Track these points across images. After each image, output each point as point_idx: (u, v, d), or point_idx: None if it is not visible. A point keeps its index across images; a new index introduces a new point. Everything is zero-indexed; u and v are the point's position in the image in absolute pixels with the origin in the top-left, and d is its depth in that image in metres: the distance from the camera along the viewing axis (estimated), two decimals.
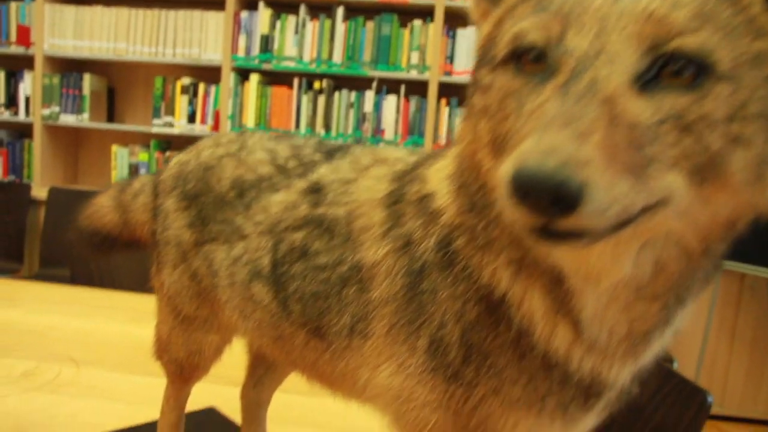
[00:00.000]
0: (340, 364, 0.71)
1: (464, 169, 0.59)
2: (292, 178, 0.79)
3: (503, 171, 0.42)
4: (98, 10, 3.61)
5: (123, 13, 3.59)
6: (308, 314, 0.72)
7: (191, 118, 3.66)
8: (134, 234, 1.03)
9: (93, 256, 1.10)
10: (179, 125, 3.66)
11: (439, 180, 0.64)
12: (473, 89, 0.56)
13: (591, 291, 0.54)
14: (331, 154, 0.79)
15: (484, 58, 0.55)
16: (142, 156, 3.73)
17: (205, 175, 0.86)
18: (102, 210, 1.07)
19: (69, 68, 3.75)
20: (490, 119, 0.52)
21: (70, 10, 3.61)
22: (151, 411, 1.16)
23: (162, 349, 0.95)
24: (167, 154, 3.73)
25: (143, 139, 3.84)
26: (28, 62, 3.71)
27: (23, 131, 3.86)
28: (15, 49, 3.65)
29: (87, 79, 3.66)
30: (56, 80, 3.64)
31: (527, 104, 0.48)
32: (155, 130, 3.67)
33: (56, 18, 3.61)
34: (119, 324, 1.64)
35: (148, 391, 1.25)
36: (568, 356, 0.57)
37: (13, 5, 3.66)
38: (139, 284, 2.40)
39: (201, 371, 0.94)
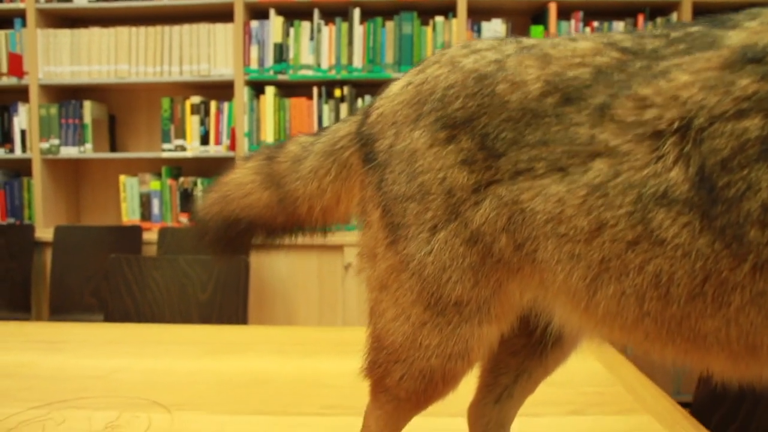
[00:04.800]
0: None
1: None
2: (672, 58, 0.53)
3: None
4: (96, 31, 3.35)
5: (123, 32, 3.33)
6: None
7: (204, 140, 3.40)
8: (296, 214, 0.76)
9: (227, 252, 0.81)
10: (192, 148, 3.38)
11: None
12: None
13: None
14: (720, 21, 0.54)
15: None
16: (154, 185, 3.44)
17: (483, 86, 0.61)
18: (242, 189, 0.79)
19: (67, 96, 3.47)
20: None
21: (65, 34, 3.34)
22: None
23: (394, 360, 0.65)
24: (181, 180, 3.45)
25: (152, 167, 3.55)
26: (21, 93, 3.42)
27: (20, 169, 3.55)
28: (7, 81, 3.37)
29: (87, 107, 3.38)
30: (54, 110, 3.36)
31: None
32: (165, 155, 3.39)
33: (50, 43, 3.33)
34: (194, 360, 1.35)
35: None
36: None
37: (1, 33, 3.39)
38: (185, 316, 2.12)
39: (453, 386, 0.65)
